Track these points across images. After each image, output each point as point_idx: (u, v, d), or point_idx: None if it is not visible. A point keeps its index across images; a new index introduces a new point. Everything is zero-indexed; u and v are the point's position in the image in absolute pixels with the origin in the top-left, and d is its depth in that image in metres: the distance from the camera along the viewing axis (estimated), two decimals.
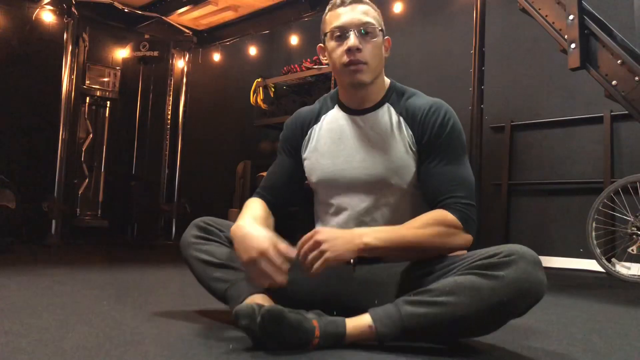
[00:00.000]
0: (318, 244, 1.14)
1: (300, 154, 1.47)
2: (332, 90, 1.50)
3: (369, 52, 1.31)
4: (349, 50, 1.30)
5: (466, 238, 1.24)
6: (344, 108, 1.43)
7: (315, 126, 1.46)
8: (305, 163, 1.45)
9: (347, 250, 1.16)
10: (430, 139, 1.31)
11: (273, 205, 1.44)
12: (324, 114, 1.47)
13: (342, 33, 1.32)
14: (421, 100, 1.37)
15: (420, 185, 1.33)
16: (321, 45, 1.40)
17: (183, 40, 5.24)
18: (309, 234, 1.17)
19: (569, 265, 3.92)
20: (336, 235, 1.17)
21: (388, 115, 1.37)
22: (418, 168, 1.33)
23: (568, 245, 3.96)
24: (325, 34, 1.37)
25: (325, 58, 1.40)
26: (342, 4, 1.34)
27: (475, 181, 1.33)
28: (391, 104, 1.39)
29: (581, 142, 4.03)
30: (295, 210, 1.55)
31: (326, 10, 1.38)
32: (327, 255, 1.14)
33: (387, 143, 1.35)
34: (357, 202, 1.37)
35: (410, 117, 1.35)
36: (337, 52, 1.33)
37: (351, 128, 1.40)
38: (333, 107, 1.46)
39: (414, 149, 1.33)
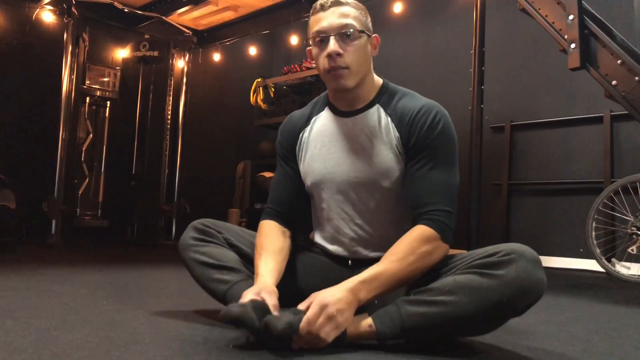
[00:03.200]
0: (331, 316, 1.07)
1: (297, 158, 1.45)
2: (324, 93, 1.48)
3: (350, 56, 1.28)
4: (330, 56, 1.27)
5: (445, 248, 1.23)
6: (334, 110, 1.41)
7: (306, 129, 1.44)
8: (300, 168, 1.44)
9: (352, 314, 1.11)
10: (417, 142, 1.28)
11: (287, 218, 1.41)
12: (315, 116, 1.45)
13: (322, 38, 1.29)
14: (412, 101, 1.34)
15: (403, 187, 1.31)
16: (309, 48, 1.37)
17: (183, 40, 5.24)
18: (315, 312, 1.07)
19: (569, 265, 3.92)
20: (341, 301, 1.09)
21: (377, 116, 1.35)
22: (404, 170, 1.31)
23: (568, 245, 3.96)
24: (309, 39, 1.34)
25: (313, 62, 1.37)
26: (322, 8, 1.30)
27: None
28: (381, 105, 1.36)
29: (581, 142, 4.03)
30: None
31: (310, 15, 1.34)
32: (341, 326, 1.09)
33: (376, 145, 1.33)
34: (348, 205, 1.36)
35: (398, 118, 1.32)
36: (320, 58, 1.30)
37: (341, 130, 1.38)
38: (323, 110, 1.44)
39: (400, 151, 1.31)
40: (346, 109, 1.39)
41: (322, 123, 1.43)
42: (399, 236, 1.23)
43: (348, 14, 1.30)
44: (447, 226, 1.22)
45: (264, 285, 1.19)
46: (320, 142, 1.41)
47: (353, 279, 1.14)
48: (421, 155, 1.28)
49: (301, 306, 1.11)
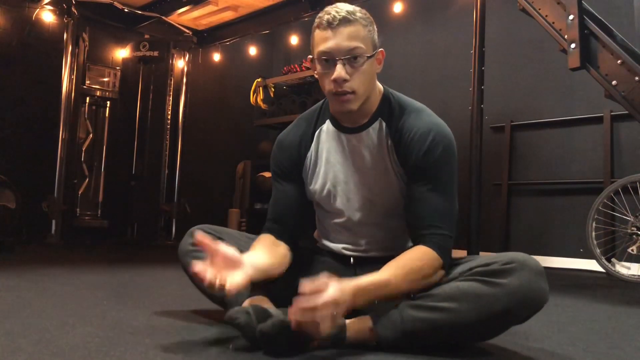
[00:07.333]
0: (327, 305, 1.02)
1: (302, 175, 1.42)
2: (323, 103, 1.43)
3: (356, 81, 1.23)
4: (335, 82, 1.22)
5: (442, 274, 1.20)
6: (337, 125, 1.37)
7: (311, 147, 1.41)
8: (308, 184, 1.41)
9: (344, 312, 1.08)
10: (414, 164, 1.26)
11: (287, 234, 1.38)
12: (317, 130, 1.41)
13: (328, 59, 1.22)
14: (415, 121, 1.29)
15: (404, 207, 1.29)
16: (311, 57, 1.30)
17: (183, 40, 5.24)
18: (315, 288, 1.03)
19: (569, 265, 3.92)
20: (342, 299, 1.05)
21: (379, 133, 1.32)
22: (404, 189, 1.30)
23: (568, 245, 3.96)
24: (312, 56, 1.28)
25: (315, 73, 1.30)
26: (329, 25, 1.21)
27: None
28: (384, 120, 1.32)
29: (581, 142, 4.03)
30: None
31: (314, 25, 1.25)
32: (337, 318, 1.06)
33: (380, 163, 1.32)
34: (351, 220, 1.36)
35: (397, 138, 1.29)
36: (324, 79, 1.25)
37: (346, 147, 1.35)
38: (325, 123, 1.40)
39: (399, 171, 1.30)
40: (350, 125, 1.35)
41: (327, 139, 1.39)
42: (401, 248, 1.24)
43: (357, 35, 1.21)
44: (448, 253, 1.21)
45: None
46: (326, 158, 1.38)
47: (363, 280, 1.10)
48: (419, 178, 1.26)
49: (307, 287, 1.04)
